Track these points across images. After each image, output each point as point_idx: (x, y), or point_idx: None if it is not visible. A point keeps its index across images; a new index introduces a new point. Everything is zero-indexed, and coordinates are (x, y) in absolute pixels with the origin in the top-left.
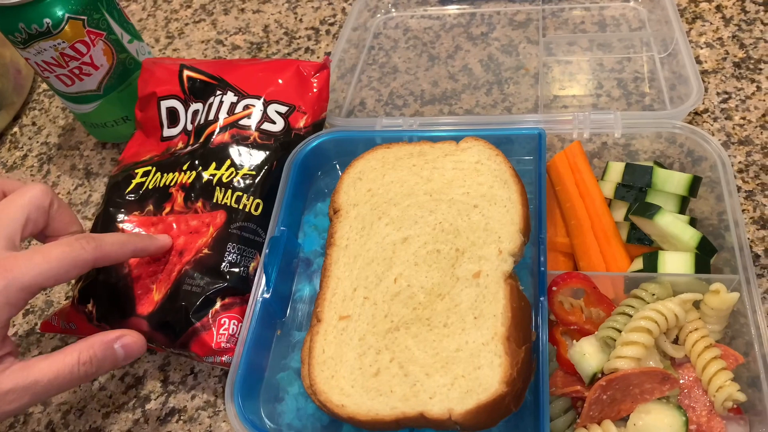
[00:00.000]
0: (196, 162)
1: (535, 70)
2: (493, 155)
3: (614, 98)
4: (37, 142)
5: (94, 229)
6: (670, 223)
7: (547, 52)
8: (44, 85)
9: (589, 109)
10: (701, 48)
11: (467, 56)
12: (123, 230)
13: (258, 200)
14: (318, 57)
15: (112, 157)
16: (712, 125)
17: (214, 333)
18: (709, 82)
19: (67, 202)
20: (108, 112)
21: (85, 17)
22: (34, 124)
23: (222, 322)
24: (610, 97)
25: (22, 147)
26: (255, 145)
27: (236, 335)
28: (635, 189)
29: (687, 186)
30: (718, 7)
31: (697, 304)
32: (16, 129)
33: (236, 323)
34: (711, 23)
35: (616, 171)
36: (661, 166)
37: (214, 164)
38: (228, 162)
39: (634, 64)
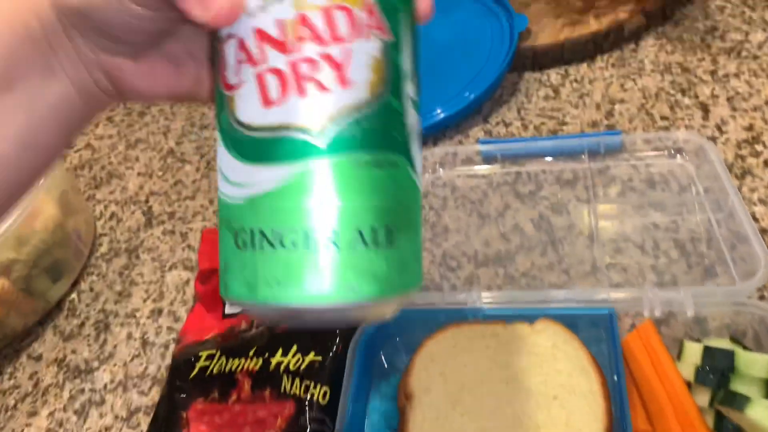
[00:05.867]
0: (263, 347)
1: (589, 230)
2: (569, 339)
3: (673, 259)
4: (95, 309)
5: (156, 416)
6: (763, 417)
7: (598, 210)
8: (102, 249)
9: (649, 271)
10: (755, 205)
11: (517, 215)
12: (188, 419)
13: (325, 388)
14: None
15: (168, 325)
16: None
17: None
18: None
19: (122, 374)
20: None
21: None
22: (91, 290)
23: None
24: (669, 259)
25: (79, 314)
26: (321, 329)
27: None
28: (717, 372)
29: None
30: (767, 162)
31: None
32: (74, 295)
33: None
34: (762, 179)
35: (693, 353)
36: (739, 342)
37: (280, 350)
38: (295, 347)
39: (688, 223)
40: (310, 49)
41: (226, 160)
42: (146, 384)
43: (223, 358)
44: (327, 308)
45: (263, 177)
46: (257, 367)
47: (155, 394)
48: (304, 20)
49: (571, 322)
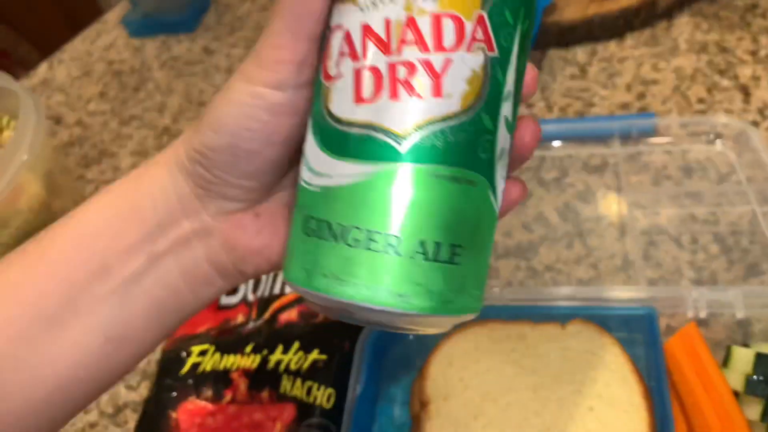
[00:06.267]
0: (261, 344)
1: (619, 220)
2: (608, 344)
3: (713, 255)
4: None
5: (143, 415)
6: None
7: (629, 200)
8: None
9: (686, 267)
10: None
11: (541, 204)
12: (177, 419)
13: (330, 390)
14: None
15: None
16: None
17: None
18: None
19: None
20: None
21: None
22: None
23: None
24: (707, 254)
25: None
26: (327, 324)
27: None
28: None
29: None
30: None
31: None
32: None
33: None
34: None
35: (742, 360)
36: None
37: (281, 347)
38: (296, 344)
39: (729, 216)
40: (412, 54)
41: (310, 147)
42: (135, 378)
43: (217, 354)
44: (374, 311)
45: (341, 170)
46: (255, 365)
47: (144, 389)
48: (411, 23)
49: (601, 321)
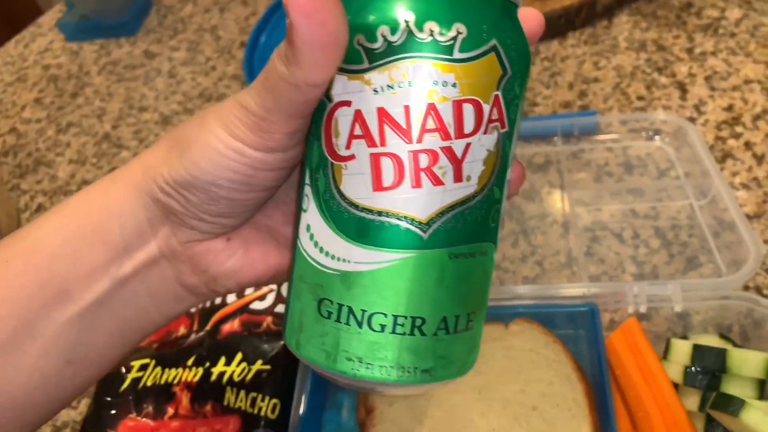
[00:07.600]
0: (204, 356)
1: (563, 217)
2: (550, 342)
3: (653, 249)
4: None
5: None
6: (760, 421)
7: (572, 197)
8: None
9: (628, 262)
10: (737, 190)
11: None
12: None
13: (275, 400)
14: None
15: None
16: (766, 278)
17: None
18: (753, 228)
19: None
20: None
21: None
22: None
23: None
24: (649, 248)
25: None
26: (270, 334)
27: None
28: (707, 374)
29: (766, 368)
30: (747, 144)
31: None
32: None
33: None
34: (743, 162)
35: (681, 352)
36: (729, 339)
37: (223, 359)
38: (239, 356)
39: (668, 210)
40: (433, 142)
41: (320, 226)
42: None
43: (159, 368)
44: (402, 387)
45: (361, 257)
46: (197, 378)
47: (84, 408)
48: (433, 111)
49: (546, 318)
